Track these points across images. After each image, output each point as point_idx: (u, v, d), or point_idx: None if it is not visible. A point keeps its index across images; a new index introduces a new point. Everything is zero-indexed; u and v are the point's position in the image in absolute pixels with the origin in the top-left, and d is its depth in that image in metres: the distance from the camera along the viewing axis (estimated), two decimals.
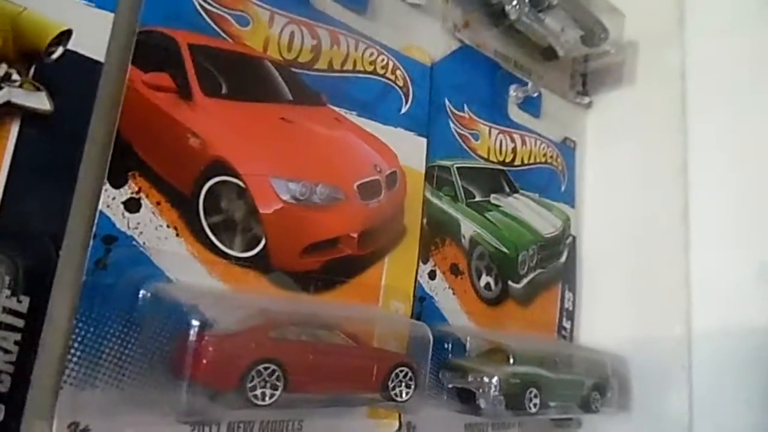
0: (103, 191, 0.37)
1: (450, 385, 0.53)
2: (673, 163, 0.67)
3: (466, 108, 0.61)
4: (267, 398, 0.34)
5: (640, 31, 0.72)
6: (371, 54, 0.53)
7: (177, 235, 0.40)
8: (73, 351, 0.35)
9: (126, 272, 0.37)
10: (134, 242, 0.38)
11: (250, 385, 0.33)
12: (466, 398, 0.52)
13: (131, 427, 0.36)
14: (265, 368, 0.34)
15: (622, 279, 0.69)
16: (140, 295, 0.37)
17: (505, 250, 0.62)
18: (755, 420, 0.57)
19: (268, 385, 0.34)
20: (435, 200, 0.56)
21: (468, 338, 0.54)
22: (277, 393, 0.34)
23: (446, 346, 0.54)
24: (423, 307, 0.54)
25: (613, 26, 0.69)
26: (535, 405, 0.51)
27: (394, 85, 0.54)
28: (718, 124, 0.65)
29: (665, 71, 0.70)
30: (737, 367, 0.59)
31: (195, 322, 0.33)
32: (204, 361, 0.32)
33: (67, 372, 0.35)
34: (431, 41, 0.60)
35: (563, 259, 0.69)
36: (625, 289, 0.69)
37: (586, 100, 0.76)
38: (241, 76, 0.44)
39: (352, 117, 0.51)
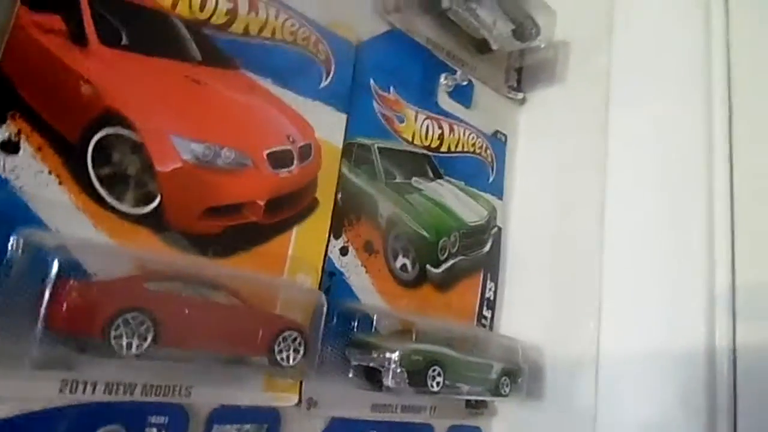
0: None
1: (355, 363, 0.52)
2: (593, 161, 0.68)
3: (392, 90, 0.61)
4: (133, 348, 0.32)
5: (572, 29, 0.74)
6: (292, 25, 0.53)
7: (60, 183, 0.38)
8: None
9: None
10: (10, 185, 0.36)
11: (115, 333, 0.32)
12: (371, 376, 0.52)
13: None
14: (134, 318, 0.33)
15: (543, 272, 0.70)
16: (11, 241, 0.35)
17: (424, 233, 0.62)
18: (656, 417, 0.58)
19: (136, 335, 0.33)
20: (352, 177, 0.56)
21: (375, 316, 0.54)
22: (145, 344, 0.33)
23: (353, 323, 0.53)
24: (332, 282, 0.53)
25: (545, 23, 0.71)
26: (438, 383, 0.51)
27: (315, 58, 0.54)
28: (639, 124, 0.66)
29: (593, 71, 0.71)
30: (641, 365, 0.60)
31: (56, 264, 0.31)
32: (64, 305, 0.31)
33: None
34: (360, 21, 0.60)
35: (487, 248, 0.70)
36: (545, 282, 0.70)
37: (520, 95, 0.78)
38: (144, 30, 0.43)
39: (267, 85, 0.50)
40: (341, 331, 0.52)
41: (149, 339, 0.33)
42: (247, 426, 0.46)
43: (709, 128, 0.61)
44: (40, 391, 0.37)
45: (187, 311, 0.35)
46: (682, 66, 0.66)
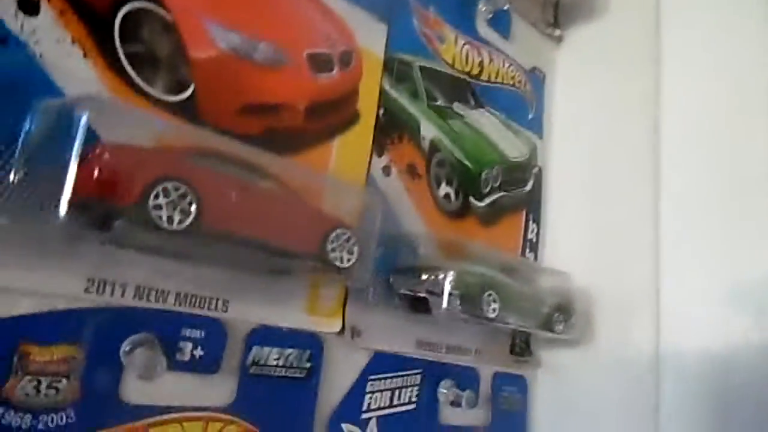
0: None
1: (402, 290, 0.47)
2: (643, 95, 0.64)
3: (431, 8, 0.57)
4: (175, 222, 0.28)
5: None
6: None
7: (84, 55, 0.34)
8: None
9: (17, 84, 0.31)
10: (28, 50, 0.32)
11: (154, 202, 0.27)
12: (419, 305, 0.47)
13: (6, 267, 0.30)
14: (176, 187, 0.28)
15: (588, 214, 0.66)
16: (32, 111, 0.31)
17: (467, 162, 0.57)
18: (722, 358, 0.54)
19: (178, 209, 0.28)
20: (394, 93, 0.51)
21: (421, 241, 0.49)
22: (188, 220, 0.28)
23: (397, 250, 0.49)
24: None
25: None
26: (494, 310, 0.46)
27: None
28: (692, 50, 0.62)
29: (639, 1, 0.67)
30: (705, 304, 0.56)
31: (84, 119, 0.27)
32: (96, 168, 0.26)
33: None
34: None
35: (528, 187, 0.65)
36: (592, 225, 0.65)
37: (557, 32, 0.73)
38: None
39: None
40: (385, 257, 0.48)
41: (192, 214, 0.28)
42: (289, 350, 0.41)
43: None
44: (65, 288, 0.32)
45: (233, 192, 0.31)
46: None
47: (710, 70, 0.61)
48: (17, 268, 0.30)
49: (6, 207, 0.30)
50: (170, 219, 0.28)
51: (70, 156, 0.28)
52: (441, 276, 0.45)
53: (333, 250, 0.35)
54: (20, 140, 0.30)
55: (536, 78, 0.70)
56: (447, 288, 0.44)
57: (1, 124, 0.30)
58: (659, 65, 0.65)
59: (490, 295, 0.46)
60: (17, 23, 0.31)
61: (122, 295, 0.34)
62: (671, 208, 0.60)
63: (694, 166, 0.60)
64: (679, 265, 0.58)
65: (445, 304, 0.44)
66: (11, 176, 0.30)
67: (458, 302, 0.45)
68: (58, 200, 0.28)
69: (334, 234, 0.35)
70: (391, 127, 0.51)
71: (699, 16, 0.63)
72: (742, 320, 0.52)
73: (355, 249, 0.36)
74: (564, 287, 0.57)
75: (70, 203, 0.27)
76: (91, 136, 0.28)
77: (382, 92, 0.50)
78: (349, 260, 0.35)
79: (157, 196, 0.27)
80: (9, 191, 0.30)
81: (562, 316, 0.54)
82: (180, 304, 0.37)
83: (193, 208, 0.28)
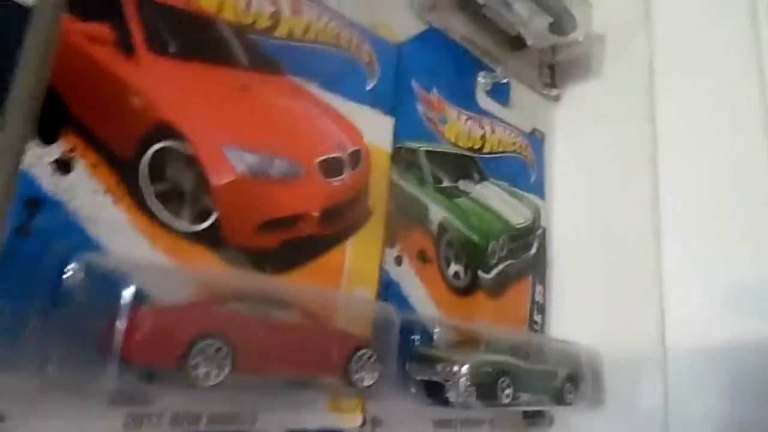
0: (27, 148, 0.32)
1: (418, 377, 0.49)
2: (641, 152, 0.66)
3: (434, 90, 0.59)
4: (212, 378, 0.30)
5: (607, 21, 0.72)
6: (335, 27, 0.50)
7: (115, 202, 0.36)
8: None
9: (53, 241, 0.33)
10: (64, 208, 0.34)
11: (192, 363, 0.29)
12: (435, 391, 0.49)
13: (56, 416, 0.32)
14: (210, 344, 0.30)
15: (593, 272, 0.68)
16: (69, 267, 0.33)
17: (474, 238, 0.59)
18: (730, 412, 0.56)
19: (214, 363, 0.30)
20: (402, 183, 0.53)
21: (437, 328, 0.51)
22: (224, 372, 0.30)
23: (413, 336, 0.51)
24: (389, 294, 0.50)
25: (581, 15, 0.68)
26: (507, 395, 0.48)
27: (359, 60, 0.52)
28: (687, 111, 0.64)
29: (633, 60, 0.69)
30: (712, 360, 0.57)
31: (128, 291, 0.29)
32: (139, 336, 0.28)
33: None
34: (397, 21, 0.58)
35: (533, 251, 0.67)
36: (597, 282, 0.67)
37: (555, 92, 0.75)
38: (191, 36, 0.41)
39: (313, 89, 0.48)
40: (401, 344, 0.49)
41: (228, 367, 0.30)
42: None
43: (766, 104, 0.59)
44: (108, 428, 0.34)
45: (262, 334, 0.33)
46: (727, 42, 0.63)
47: (704, 127, 0.63)
48: (66, 416, 0.32)
49: (54, 360, 0.32)
50: (207, 375, 0.30)
51: (115, 319, 0.30)
52: (456, 367, 0.46)
53: (356, 371, 0.37)
54: (59, 294, 0.33)
55: (536, 139, 0.72)
56: (463, 380, 0.46)
57: (41, 281, 0.32)
58: (653, 121, 0.67)
59: (503, 381, 0.48)
60: (52, 183, 0.33)
61: (158, 424, 0.36)
62: (674, 262, 0.62)
63: (694, 218, 0.62)
64: (685, 323, 0.60)
65: (461, 396, 0.46)
66: (55, 332, 0.32)
67: (474, 391, 0.47)
68: (105, 358, 0.30)
69: (357, 355, 0.37)
70: (402, 217, 0.53)
71: (691, 74, 0.66)
72: (749, 389, 0.54)
73: (378, 366, 0.38)
74: (573, 355, 0.59)
75: (118, 368, 0.29)
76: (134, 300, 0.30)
77: (392, 184, 0.52)
78: (372, 378, 0.37)
79: (195, 356, 0.29)
80: (55, 345, 0.32)
81: (572, 386, 0.56)
82: (212, 424, 0.38)
83: (228, 360, 0.30)
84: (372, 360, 0.38)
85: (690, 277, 0.60)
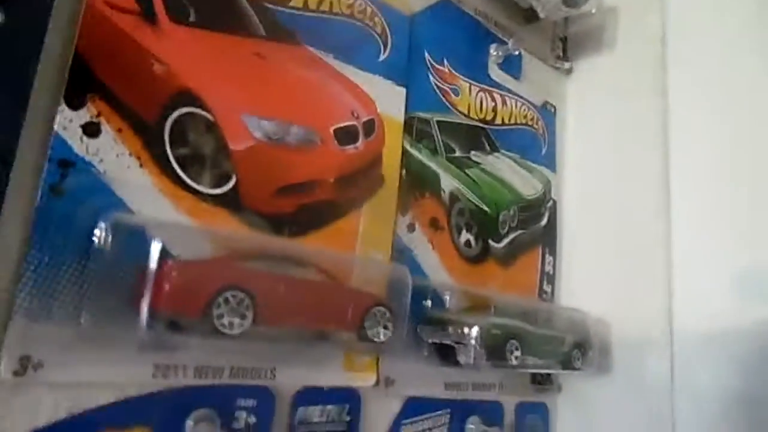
0: (59, 112, 0.34)
1: (430, 340, 0.51)
2: (653, 127, 0.66)
3: (446, 62, 0.60)
4: (235, 327, 0.32)
5: None
6: None
7: (141, 165, 0.37)
8: (24, 280, 0.32)
9: (84, 200, 0.35)
10: (93, 169, 0.35)
11: (217, 312, 0.31)
12: (446, 353, 0.51)
13: (88, 364, 0.34)
14: (234, 296, 0.32)
15: (603, 244, 0.69)
16: (99, 226, 0.35)
17: (485, 207, 0.60)
18: (735, 383, 0.57)
19: (237, 314, 0.32)
20: (414, 152, 0.55)
21: (448, 293, 0.53)
22: (246, 323, 0.32)
23: (426, 300, 0.52)
24: (402, 259, 0.52)
25: None
26: (516, 357, 0.50)
27: (372, 31, 0.53)
28: (699, 84, 0.64)
29: (645, 34, 0.69)
30: (718, 333, 0.58)
31: (157, 245, 0.31)
32: (167, 287, 0.30)
33: (18, 302, 0.32)
34: None
35: (544, 222, 0.68)
36: (606, 255, 0.68)
37: (567, 65, 0.76)
38: (210, 6, 0.42)
39: (329, 59, 0.49)
40: (413, 308, 0.51)
41: (249, 317, 0.32)
42: (330, 407, 0.45)
43: None
44: (136, 376, 0.36)
45: (281, 288, 0.35)
46: (740, 17, 0.63)
47: (717, 101, 0.63)
48: (98, 365, 0.34)
49: (87, 311, 0.34)
50: (231, 324, 0.32)
51: (144, 272, 0.31)
52: (467, 330, 0.48)
53: (371, 327, 0.39)
54: (90, 250, 0.35)
55: (548, 112, 0.73)
56: (473, 342, 0.47)
57: (74, 238, 0.34)
58: (666, 95, 0.67)
59: (512, 344, 0.50)
60: (83, 146, 0.35)
61: (184, 375, 0.38)
62: (683, 236, 0.63)
63: (704, 193, 0.63)
64: (692, 297, 0.61)
65: (471, 357, 0.48)
66: (87, 285, 0.34)
67: (484, 353, 0.49)
68: (135, 309, 0.32)
69: (372, 311, 0.39)
70: (414, 186, 0.54)
71: (703, 47, 0.65)
72: (753, 362, 0.55)
73: (390, 324, 0.39)
74: (581, 323, 0.60)
75: (148, 317, 0.31)
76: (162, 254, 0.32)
77: (404, 153, 0.54)
78: (385, 335, 0.39)
79: (218, 306, 0.31)
80: (88, 298, 0.34)
81: (580, 352, 0.58)
82: (234, 378, 0.41)
83: (250, 311, 0.32)
84: (386, 317, 0.39)
85: (699, 252, 0.61)
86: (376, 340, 0.39)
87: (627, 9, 0.73)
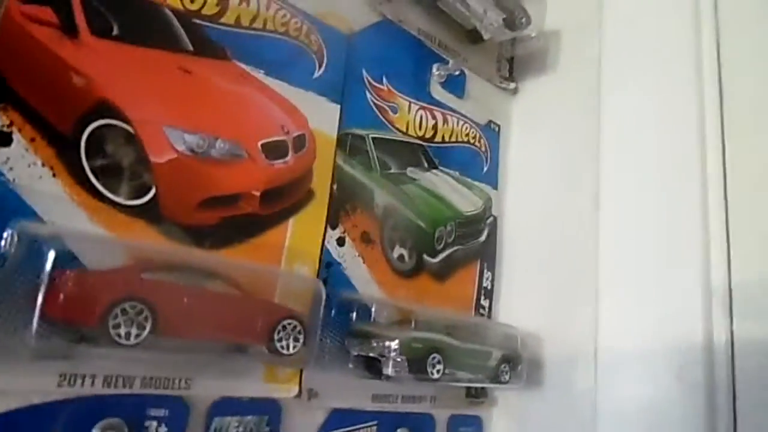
0: None
1: (355, 353, 0.52)
2: (587, 147, 0.68)
3: (385, 81, 0.61)
4: (132, 338, 0.32)
5: (562, 18, 0.74)
6: (284, 15, 0.52)
7: (54, 175, 0.38)
8: None
9: None
10: (2, 177, 0.36)
11: (113, 322, 0.32)
12: (371, 365, 0.52)
13: None
14: (132, 306, 0.32)
15: (539, 260, 0.70)
16: (4, 235, 0.35)
17: (420, 223, 0.62)
18: (655, 397, 0.58)
19: (135, 324, 0.32)
20: (347, 167, 0.56)
21: (374, 305, 0.54)
22: (144, 333, 0.32)
23: (352, 313, 0.53)
24: (330, 272, 0.53)
25: (535, 13, 0.71)
26: (438, 371, 0.51)
27: (307, 48, 0.54)
28: (630, 108, 0.67)
29: (584, 57, 0.72)
30: (638, 348, 0.60)
31: (51, 253, 0.31)
32: (61, 295, 0.31)
33: None
34: (352, 11, 0.60)
35: (483, 238, 0.70)
36: (541, 271, 0.70)
37: (512, 85, 0.78)
38: (135, 20, 0.43)
39: (260, 75, 0.50)
40: (340, 321, 0.52)
41: (147, 328, 0.33)
42: (248, 418, 0.46)
43: (701, 111, 0.61)
44: (39, 385, 0.36)
45: (185, 300, 0.35)
46: (672, 47, 0.66)
47: (645, 125, 0.66)
48: None
49: None
50: (128, 335, 0.32)
51: (40, 282, 0.32)
52: (388, 342, 0.49)
53: (280, 339, 0.39)
54: None
55: (491, 131, 0.74)
56: (393, 354, 0.48)
57: None
58: (599, 117, 0.69)
59: (434, 357, 0.51)
60: None
61: (92, 384, 0.39)
62: (610, 255, 0.65)
63: (630, 213, 0.65)
64: (616, 315, 0.63)
65: (392, 370, 0.49)
66: None
67: (406, 365, 0.50)
68: (30, 320, 0.32)
69: (280, 325, 0.40)
70: (346, 200, 0.55)
71: (636, 74, 0.68)
72: (669, 370, 0.56)
73: (301, 336, 0.40)
74: (511, 337, 0.62)
75: (39, 325, 0.31)
76: (59, 263, 0.33)
77: (336, 168, 0.55)
78: (295, 347, 0.40)
79: (115, 317, 0.32)
80: None
81: (508, 366, 0.59)
82: (146, 387, 0.41)
83: (149, 322, 0.33)
84: (297, 330, 0.40)
85: (623, 271, 0.63)
86: (285, 352, 0.39)
87: (568, 33, 0.75)
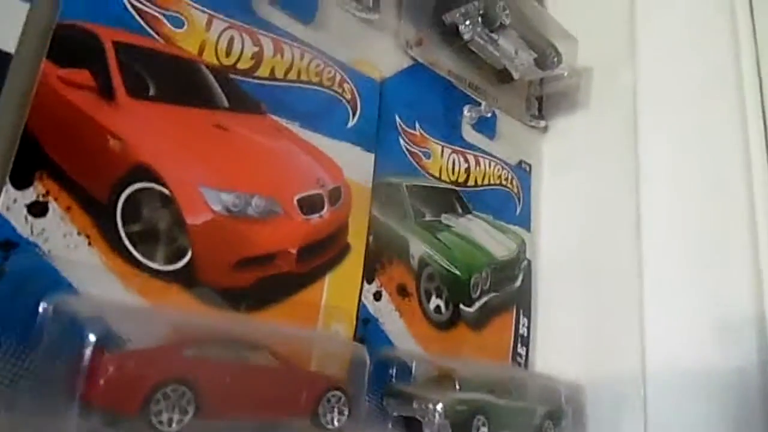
0: (2, 192, 0.33)
1: (395, 413, 0.50)
2: (625, 185, 0.66)
3: (417, 126, 0.60)
4: (174, 424, 0.30)
5: (593, 55, 0.72)
6: (317, 65, 0.51)
7: (89, 244, 0.36)
8: None
9: (27, 282, 0.34)
10: (38, 249, 0.34)
11: (155, 409, 0.30)
12: (412, 426, 0.49)
13: None
14: (174, 390, 0.30)
15: (577, 305, 0.68)
16: (41, 309, 0.33)
17: (456, 271, 0.60)
18: None
19: (177, 409, 0.31)
20: (382, 218, 0.54)
21: (414, 363, 0.51)
22: (186, 418, 0.30)
23: (391, 371, 0.51)
24: (367, 329, 0.51)
25: (566, 51, 0.70)
26: None
27: (341, 98, 0.53)
28: (669, 145, 0.65)
29: (617, 93, 0.70)
30: (690, 393, 0.57)
31: (92, 337, 0.29)
32: (101, 381, 0.29)
33: None
34: (383, 57, 0.59)
35: (518, 283, 0.68)
36: (581, 316, 0.67)
37: (542, 123, 0.76)
38: (171, 79, 0.42)
39: (294, 128, 0.48)
40: (378, 379, 0.50)
41: (191, 412, 0.31)
42: None
43: (745, 138, 0.59)
44: None
45: (228, 378, 0.33)
46: (710, 77, 0.64)
47: (686, 161, 0.64)
48: None
49: (20, 402, 0.32)
50: (170, 421, 0.30)
51: (78, 363, 0.30)
52: (431, 405, 0.47)
53: (324, 413, 0.37)
54: (29, 335, 0.33)
55: (522, 171, 0.73)
56: (437, 419, 0.46)
57: (13, 322, 0.33)
58: (637, 155, 0.67)
59: (479, 419, 0.48)
60: (27, 226, 0.34)
61: None
62: (655, 297, 0.62)
63: (674, 253, 0.62)
64: (665, 357, 0.60)
65: None
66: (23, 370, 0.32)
67: (450, 428, 0.47)
68: (71, 401, 0.30)
69: (326, 397, 0.37)
70: (381, 252, 0.53)
71: (673, 109, 0.66)
72: (725, 421, 0.53)
73: (345, 409, 0.38)
74: (553, 391, 0.59)
75: (79, 411, 0.29)
76: (99, 344, 0.31)
77: (372, 219, 0.53)
78: (340, 420, 0.38)
79: (157, 402, 0.30)
80: (23, 388, 0.32)
81: (552, 422, 0.56)
82: None
83: (192, 406, 0.31)
84: (342, 401, 0.38)
85: (670, 311, 0.60)
86: (330, 427, 0.37)
87: (600, 70, 0.74)
